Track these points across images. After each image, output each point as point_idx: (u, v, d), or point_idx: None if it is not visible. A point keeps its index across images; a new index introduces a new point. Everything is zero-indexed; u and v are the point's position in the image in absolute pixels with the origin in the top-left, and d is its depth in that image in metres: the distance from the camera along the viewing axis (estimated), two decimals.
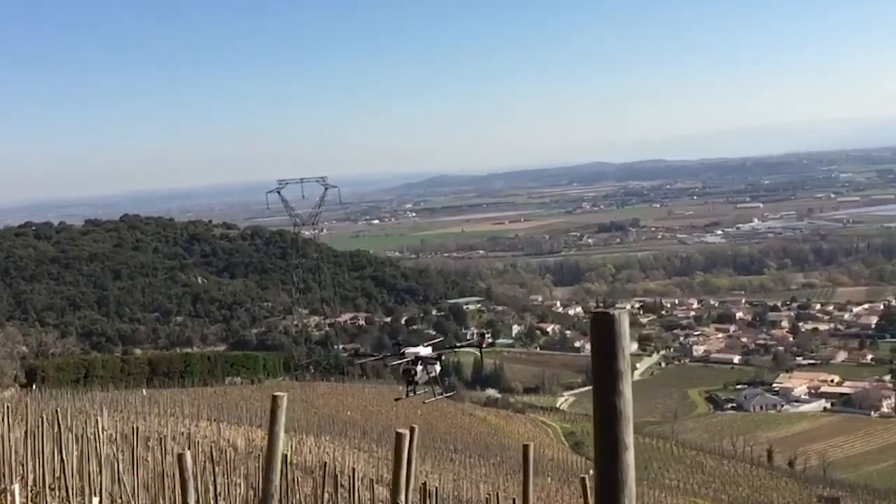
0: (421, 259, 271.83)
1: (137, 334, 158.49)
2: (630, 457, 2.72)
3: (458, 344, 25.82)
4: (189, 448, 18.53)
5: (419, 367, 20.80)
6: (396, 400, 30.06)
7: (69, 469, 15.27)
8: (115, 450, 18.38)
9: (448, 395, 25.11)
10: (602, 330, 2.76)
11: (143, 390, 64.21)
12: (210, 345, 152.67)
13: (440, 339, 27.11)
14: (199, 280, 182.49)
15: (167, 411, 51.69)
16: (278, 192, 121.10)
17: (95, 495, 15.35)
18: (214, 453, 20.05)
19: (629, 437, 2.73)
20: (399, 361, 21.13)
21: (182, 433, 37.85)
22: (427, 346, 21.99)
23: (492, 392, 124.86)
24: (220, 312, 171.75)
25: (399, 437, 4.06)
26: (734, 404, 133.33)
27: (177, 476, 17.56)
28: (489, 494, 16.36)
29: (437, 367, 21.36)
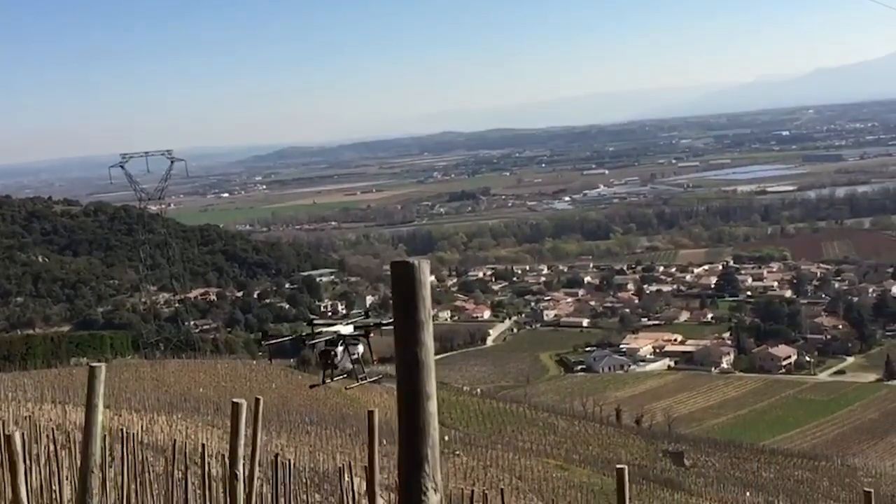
0: (272, 232, 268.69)
1: None
2: (432, 406, 2.68)
3: (389, 321, 22.10)
4: (32, 432, 17.90)
5: (339, 349, 18.12)
6: (312, 387, 26.10)
7: None
8: None
9: (373, 379, 21.74)
10: (402, 280, 2.71)
11: None
12: (54, 325, 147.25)
13: (360, 316, 23.77)
14: (40, 259, 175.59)
15: (8, 395, 49.71)
16: (122, 167, 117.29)
17: None
18: (59, 436, 19.42)
19: (431, 387, 2.68)
20: (316, 340, 18.14)
21: (25, 417, 36.50)
22: (349, 323, 19.22)
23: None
24: (63, 292, 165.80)
25: (235, 406, 4.01)
26: (584, 366, 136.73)
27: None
28: (344, 464, 16.38)
29: (360, 348, 18.77)
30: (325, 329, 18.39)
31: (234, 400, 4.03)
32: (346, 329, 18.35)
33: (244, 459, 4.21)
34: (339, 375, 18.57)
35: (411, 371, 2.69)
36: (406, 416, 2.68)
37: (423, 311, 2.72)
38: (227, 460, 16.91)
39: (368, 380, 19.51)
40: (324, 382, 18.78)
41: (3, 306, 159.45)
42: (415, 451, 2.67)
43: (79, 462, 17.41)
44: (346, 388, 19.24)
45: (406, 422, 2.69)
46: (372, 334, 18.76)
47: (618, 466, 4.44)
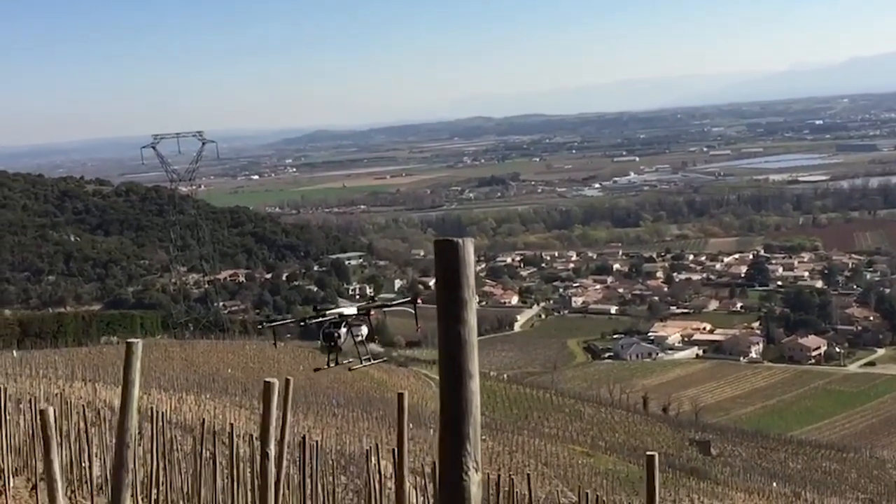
0: (302, 215, 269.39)
1: (7, 294, 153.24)
2: (475, 385, 2.66)
3: (390, 303, 22.49)
4: (63, 409, 18.08)
5: (343, 330, 17.77)
6: (316, 370, 26.39)
7: None
8: None
9: (378, 361, 21.91)
10: (446, 258, 2.69)
11: (14, 351, 62.26)
12: (85, 304, 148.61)
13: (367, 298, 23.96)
14: (72, 238, 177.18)
15: (39, 373, 50.24)
16: (153, 148, 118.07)
17: None
18: (90, 414, 19.60)
19: (474, 366, 2.67)
20: (318, 320, 17.86)
21: (55, 394, 36.87)
22: (353, 305, 19.15)
23: (374, 346, 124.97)
24: (94, 271, 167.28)
25: (267, 385, 4.01)
26: (611, 353, 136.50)
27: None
28: (370, 447, 16.43)
29: (364, 330, 18.79)
30: (328, 311, 18.03)
31: (266, 380, 4.04)
32: (350, 310, 18.05)
33: (272, 439, 4.22)
34: (344, 358, 18.31)
35: (454, 350, 2.68)
36: (448, 394, 2.67)
37: (467, 290, 2.70)
38: (255, 440, 17.02)
39: (373, 361, 19.52)
40: (328, 365, 18.34)
41: (36, 284, 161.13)
42: (457, 429, 2.67)
43: (108, 439, 17.56)
44: (350, 369, 19.23)
45: (448, 400, 2.67)
46: (373, 314, 18.57)
47: (648, 453, 4.41)
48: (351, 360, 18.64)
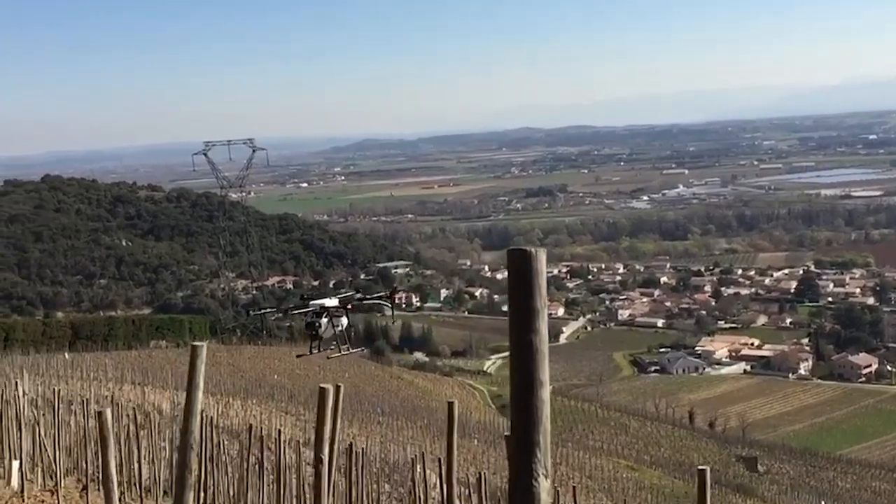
0: (349, 223, 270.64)
1: (59, 297, 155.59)
2: (545, 393, 2.69)
3: (368, 296, 23.64)
4: (113, 411, 18.33)
5: (324, 320, 18.77)
6: (299, 356, 27.82)
7: None
8: (36, 413, 18.09)
9: (354, 350, 23.15)
10: (519, 267, 2.73)
11: (66, 354, 63.09)
12: (135, 308, 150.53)
13: (350, 292, 25.17)
14: (124, 243, 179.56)
15: (90, 375, 50.92)
16: (205, 154, 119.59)
17: (16, 458, 15.11)
18: (139, 416, 19.83)
19: (545, 374, 2.70)
20: (300, 311, 18.99)
21: (105, 396, 37.36)
22: (334, 297, 19.95)
23: (419, 355, 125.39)
24: (144, 275, 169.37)
25: (322, 391, 4.06)
26: (657, 367, 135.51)
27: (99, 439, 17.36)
28: (415, 455, 16.49)
29: (344, 321, 19.38)
30: (311, 302, 19.10)
31: (321, 385, 4.09)
32: (331, 302, 19.06)
33: (326, 445, 4.26)
34: (326, 347, 19.20)
35: (525, 358, 2.71)
36: (519, 402, 2.70)
37: (539, 299, 2.73)
38: (302, 446, 17.12)
39: (351, 350, 20.60)
40: (311, 352, 19.35)
41: (87, 287, 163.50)
42: (527, 436, 2.70)
43: (156, 442, 17.74)
44: (328, 357, 20.30)
45: (519, 408, 2.70)
46: (350, 307, 19.51)
47: (699, 467, 4.40)
48: (332, 348, 19.39)
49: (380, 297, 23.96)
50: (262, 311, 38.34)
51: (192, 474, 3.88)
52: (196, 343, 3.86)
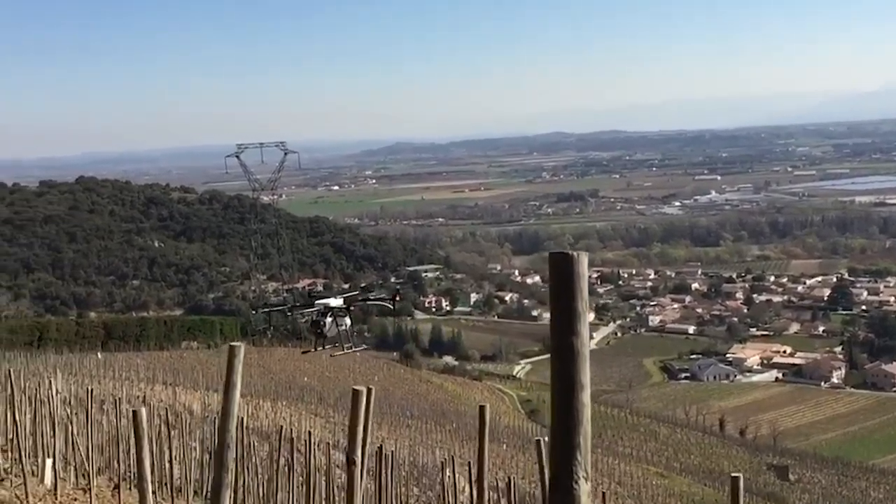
0: (380, 226, 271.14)
1: (92, 297, 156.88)
2: (586, 396, 2.72)
3: (370, 296, 24.31)
4: (144, 412, 18.47)
5: (328, 319, 19.53)
6: (304, 353, 28.56)
7: (22, 430, 15.15)
8: (69, 412, 18.26)
9: (358, 349, 23.68)
10: (561, 270, 2.74)
11: (98, 353, 63.67)
12: (166, 309, 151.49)
13: (353, 291, 25.96)
14: (156, 244, 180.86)
15: (122, 375, 51.37)
16: (237, 157, 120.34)
17: (49, 457, 15.26)
18: (170, 416, 19.95)
19: (586, 377, 2.72)
20: (305, 311, 19.64)
21: (137, 396, 37.65)
22: (338, 297, 20.70)
23: (449, 359, 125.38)
24: (176, 277, 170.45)
25: (356, 393, 4.07)
26: (688, 374, 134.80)
27: (131, 438, 17.48)
28: (444, 459, 16.50)
29: (347, 320, 20.20)
30: (316, 302, 19.75)
31: (355, 388, 4.10)
32: (336, 302, 19.77)
33: (359, 447, 4.28)
34: (329, 344, 20.10)
35: (567, 360, 2.73)
36: (560, 404, 2.71)
37: (581, 302, 2.76)
38: (332, 449, 17.19)
39: (355, 349, 21.56)
40: (315, 349, 20.31)
41: (120, 288, 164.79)
42: (568, 439, 2.70)
43: (187, 442, 17.83)
44: (332, 355, 21.09)
45: (560, 410, 2.71)
46: (352, 307, 20.35)
47: (733, 474, 4.37)
48: (336, 345, 20.37)
49: (382, 299, 24.68)
50: (268, 309, 39.43)
51: (230, 473, 3.91)
52: (234, 343, 3.91)
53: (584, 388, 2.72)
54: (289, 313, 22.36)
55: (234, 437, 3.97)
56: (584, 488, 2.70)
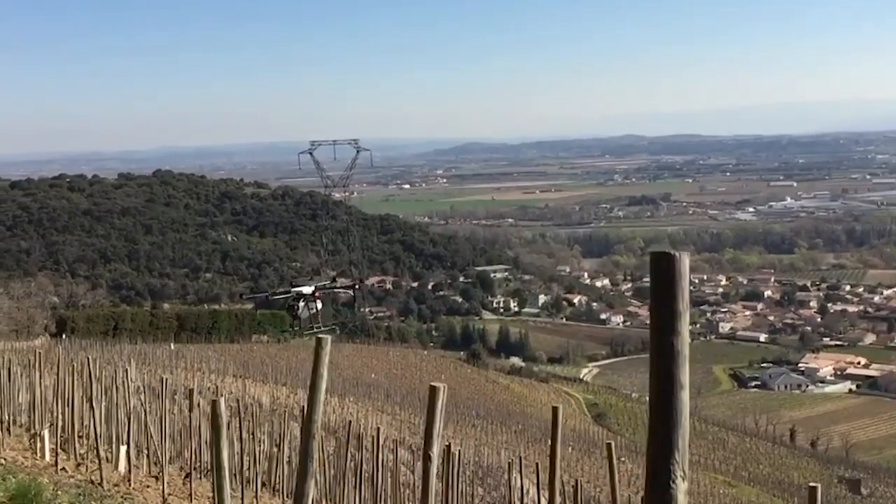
0: (450, 225, 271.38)
1: (166, 289, 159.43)
2: (685, 395, 2.70)
3: (336, 285, 28.02)
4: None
5: (301, 304, 22.44)
6: (283, 332, 34.55)
7: (97, 418, 15.47)
8: (142, 401, 18.60)
9: (325, 328, 26.63)
10: (662, 270, 2.76)
11: (171, 344, 64.77)
12: (238, 302, 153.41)
13: (324, 281, 29.17)
14: (229, 238, 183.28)
15: (194, 366, 52.20)
16: (310, 154, 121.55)
17: (123, 444, 15.55)
18: (240, 409, 20.21)
19: (685, 377, 2.71)
20: (280, 296, 23.14)
21: (208, 388, 38.22)
22: (310, 285, 23.72)
23: (516, 360, 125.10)
24: (248, 270, 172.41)
25: (433, 390, 4.08)
26: (758, 382, 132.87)
27: (203, 429, 17.73)
28: (511, 461, 16.45)
29: (319, 305, 23.18)
30: (292, 289, 23.30)
31: (433, 384, 4.11)
32: (307, 290, 23.20)
33: (435, 443, 4.28)
34: (307, 327, 23.38)
35: (666, 359, 2.72)
36: (658, 403, 2.71)
37: (682, 302, 2.77)
38: (399, 446, 17.23)
39: (323, 329, 24.70)
40: (291, 328, 25.67)
41: (194, 281, 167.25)
42: (666, 437, 2.70)
43: (255, 433, 18.02)
44: (304, 335, 25.84)
45: (658, 409, 2.71)
46: (318, 294, 23.60)
47: (811, 485, 4.28)
48: (318, 327, 23.43)
49: (347, 287, 29.21)
50: (255, 295, 50.33)
51: (314, 463, 3.96)
52: (321, 336, 4.02)
53: (683, 387, 2.72)
54: (270, 298, 27.99)
55: (319, 428, 4.03)
56: (681, 487, 2.69)
